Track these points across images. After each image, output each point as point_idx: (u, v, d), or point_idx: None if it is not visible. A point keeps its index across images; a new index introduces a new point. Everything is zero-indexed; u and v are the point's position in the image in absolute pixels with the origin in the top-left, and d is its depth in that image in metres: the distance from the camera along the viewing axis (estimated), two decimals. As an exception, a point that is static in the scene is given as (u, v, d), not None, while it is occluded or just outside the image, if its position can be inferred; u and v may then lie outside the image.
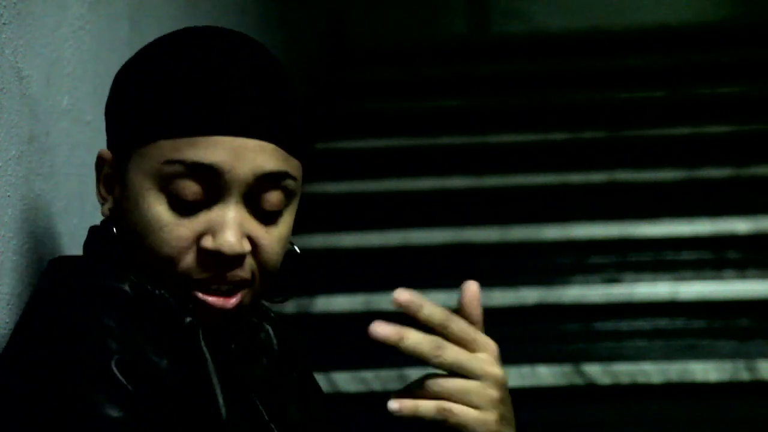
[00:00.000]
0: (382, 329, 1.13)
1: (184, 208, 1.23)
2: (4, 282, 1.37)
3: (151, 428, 1.15)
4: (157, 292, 1.22)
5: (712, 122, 4.14)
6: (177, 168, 1.22)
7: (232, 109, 1.23)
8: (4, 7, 1.39)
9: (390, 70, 5.09)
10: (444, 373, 1.16)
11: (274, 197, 1.26)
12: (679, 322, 3.19)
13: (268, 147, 1.24)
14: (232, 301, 1.25)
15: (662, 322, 3.19)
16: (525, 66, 4.94)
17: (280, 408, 1.36)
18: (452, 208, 3.77)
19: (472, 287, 1.20)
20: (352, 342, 3.10)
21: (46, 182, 1.52)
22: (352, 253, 3.48)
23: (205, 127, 1.22)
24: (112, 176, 1.29)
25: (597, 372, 2.91)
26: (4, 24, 1.39)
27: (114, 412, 1.13)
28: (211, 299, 1.24)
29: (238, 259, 1.24)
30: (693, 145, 4.01)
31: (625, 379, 2.90)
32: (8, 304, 1.37)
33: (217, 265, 1.23)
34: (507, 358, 3.25)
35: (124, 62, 1.32)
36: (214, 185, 1.23)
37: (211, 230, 1.23)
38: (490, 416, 1.16)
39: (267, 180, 1.24)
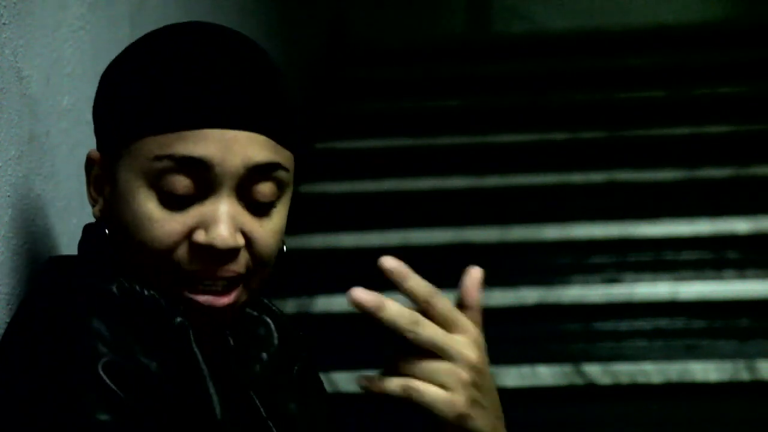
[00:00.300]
0: (361, 295, 1.10)
1: (175, 203, 1.22)
2: (4, 282, 1.37)
3: (143, 430, 1.14)
4: (146, 292, 1.20)
5: (712, 122, 4.14)
6: (166, 163, 1.21)
7: (220, 102, 1.22)
8: (4, 7, 1.39)
9: (390, 69, 5.09)
10: (419, 352, 1.13)
11: (266, 189, 1.24)
12: (679, 322, 3.19)
13: (259, 138, 1.23)
14: (224, 300, 1.23)
15: (662, 322, 3.19)
16: (525, 66, 4.93)
17: (279, 405, 1.35)
18: (452, 208, 3.77)
19: (474, 272, 1.18)
20: (352, 342, 3.11)
21: (46, 182, 1.52)
22: (352, 253, 3.48)
23: (193, 121, 1.21)
24: (102, 177, 1.28)
25: (597, 372, 2.91)
26: (4, 24, 1.39)
27: (102, 416, 1.12)
28: (201, 298, 1.22)
29: (231, 253, 1.22)
30: (693, 145, 4.01)
31: (625, 379, 2.90)
32: (8, 304, 1.37)
33: (210, 259, 1.22)
34: (507, 358, 3.24)
35: (123, 62, 1.32)
36: (204, 179, 1.21)
37: (204, 224, 1.22)
38: (458, 397, 1.12)
39: (258, 172, 1.23)
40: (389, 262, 1.12)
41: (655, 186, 3.77)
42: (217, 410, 1.19)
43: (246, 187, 1.23)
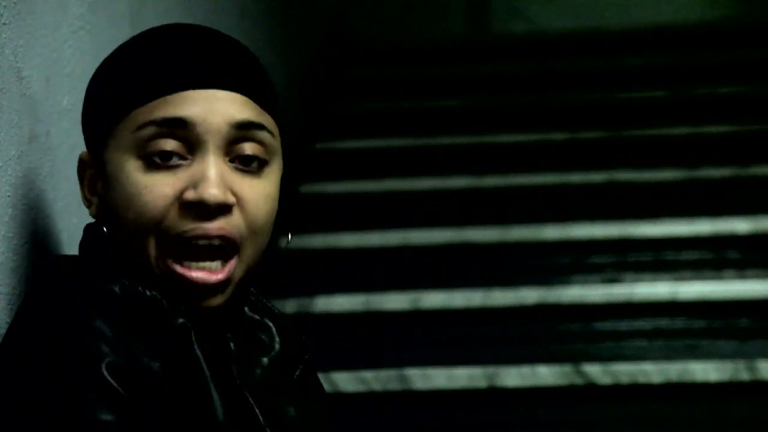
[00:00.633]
0: None
1: (163, 168, 1.23)
2: (4, 282, 1.37)
3: (145, 430, 1.14)
4: (148, 293, 1.21)
5: (712, 122, 4.14)
6: (150, 130, 1.23)
7: (198, 63, 1.25)
8: (4, 7, 1.39)
9: (390, 69, 5.08)
10: None
11: (251, 148, 1.26)
12: (679, 322, 3.19)
13: (239, 98, 1.26)
14: (218, 276, 1.24)
15: (662, 322, 3.19)
16: (525, 66, 4.93)
17: (278, 410, 1.35)
18: (452, 208, 3.77)
19: None
20: (352, 342, 3.11)
21: (46, 182, 1.52)
22: (352, 253, 3.48)
23: (173, 84, 1.24)
24: (95, 176, 1.29)
25: (597, 372, 2.91)
26: (4, 24, 1.39)
27: (106, 416, 1.12)
28: (195, 274, 1.23)
29: (222, 208, 1.23)
30: (693, 145, 4.00)
31: (625, 379, 2.90)
32: (8, 304, 1.37)
33: (202, 217, 1.22)
34: (507, 358, 3.25)
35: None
36: (189, 140, 1.23)
37: (193, 184, 1.23)
38: None
39: (241, 129, 1.25)
40: None
41: (655, 186, 3.77)
42: (219, 412, 1.19)
43: (231, 147, 1.25)
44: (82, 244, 1.32)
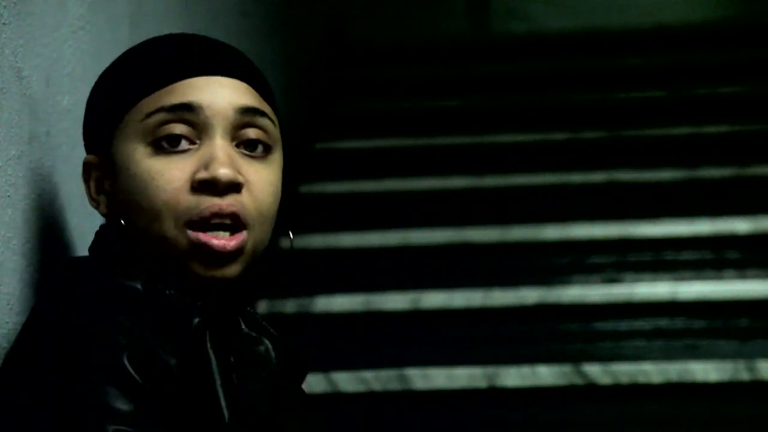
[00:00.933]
0: None
1: (172, 153, 1.28)
2: (5, 282, 1.37)
3: (159, 423, 1.16)
4: (167, 291, 1.24)
5: (712, 122, 4.14)
6: (159, 116, 1.28)
7: (203, 53, 1.32)
8: (4, 7, 1.39)
9: (390, 69, 5.09)
10: None
11: (255, 133, 1.31)
12: (679, 322, 3.19)
13: (242, 85, 1.31)
14: (234, 242, 1.27)
15: (662, 322, 3.19)
16: (525, 66, 4.93)
17: (278, 423, 1.37)
18: (452, 208, 3.77)
19: None
20: (352, 342, 3.11)
21: (46, 182, 1.52)
22: (352, 253, 3.48)
23: (179, 73, 1.29)
24: (102, 176, 1.32)
25: (597, 372, 2.91)
26: (4, 24, 1.39)
27: (125, 406, 1.15)
28: (215, 241, 1.27)
29: (232, 186, 1.27)
30: (693, 145, 4.00)
31: (625, 379, 2.90)
32: (9, 305, 1.37)
33: (214, 194, 1.27)
34: (507, 358, 3.25)
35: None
36: (197, 125, 1.28)
37: (203, 165, 1.27)
38: None
39: (246, 114, 1.30)
40: None
41: (655, 186, 3.77)
42: (225, 414, 1.21)
43: (237, 134, 1.30)
44: (96, 245, 1.35)
